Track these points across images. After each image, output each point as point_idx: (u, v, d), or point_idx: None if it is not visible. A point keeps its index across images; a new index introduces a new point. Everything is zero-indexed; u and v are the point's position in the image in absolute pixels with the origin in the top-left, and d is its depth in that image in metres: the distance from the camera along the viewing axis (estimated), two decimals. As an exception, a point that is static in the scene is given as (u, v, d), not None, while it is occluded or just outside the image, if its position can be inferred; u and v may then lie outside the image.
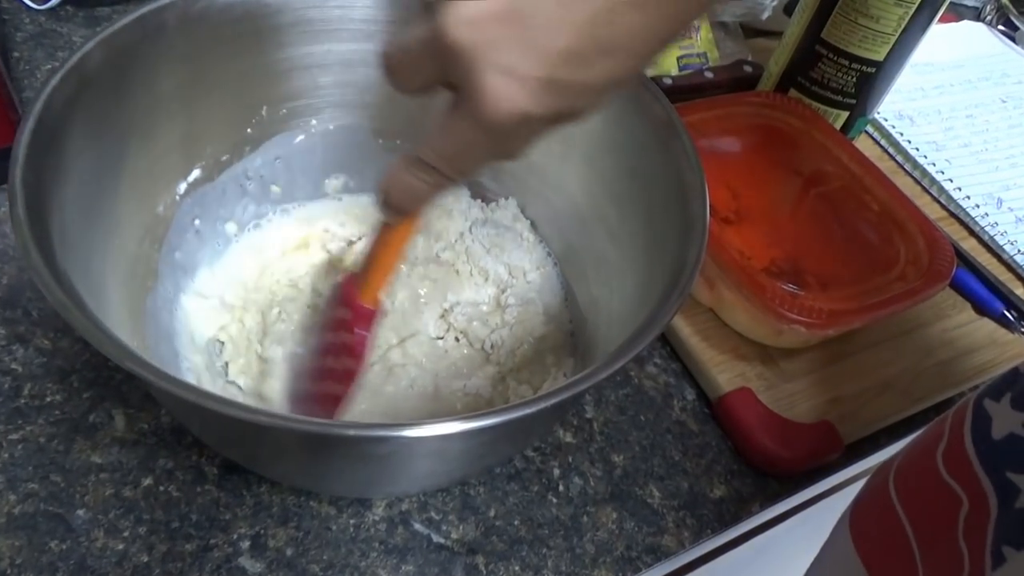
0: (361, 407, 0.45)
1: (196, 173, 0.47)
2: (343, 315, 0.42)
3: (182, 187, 0.46)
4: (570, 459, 0.49)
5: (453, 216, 0.54)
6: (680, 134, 0.43)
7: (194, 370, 0.45)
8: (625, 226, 0.47)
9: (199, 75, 0.43)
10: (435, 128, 0.30)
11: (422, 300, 0.50)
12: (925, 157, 0.74)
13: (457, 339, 0.50)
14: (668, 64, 0.74)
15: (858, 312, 0.52)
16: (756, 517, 0.51)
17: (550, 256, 0.55)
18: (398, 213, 0.34)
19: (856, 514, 0.43)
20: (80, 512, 0.41)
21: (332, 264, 0.51)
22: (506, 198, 0.55)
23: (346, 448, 0.33)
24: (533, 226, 0.55)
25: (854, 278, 0.54)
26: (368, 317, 0.42)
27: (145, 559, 0.40)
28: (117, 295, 0.40)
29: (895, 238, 0.58)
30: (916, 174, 0.74)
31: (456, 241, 0.54)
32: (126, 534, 0.41)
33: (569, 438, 0.50)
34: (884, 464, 0.43)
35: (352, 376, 0.42)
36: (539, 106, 0.27)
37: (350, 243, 0.54)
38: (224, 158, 0.48)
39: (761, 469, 0.51)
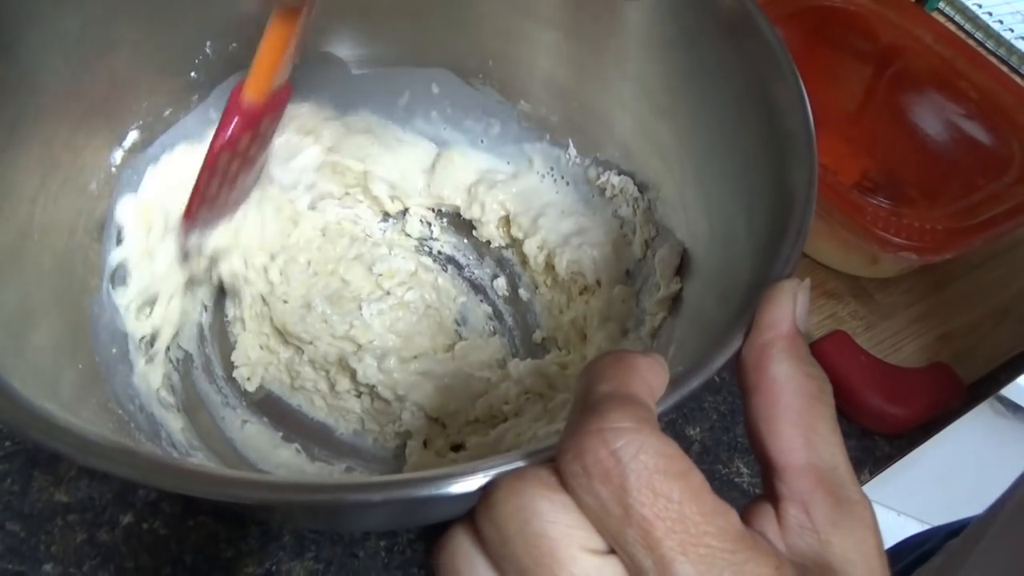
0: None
1: (134, 136, 0.37)
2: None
3: (117, 155, 0.36)
4: (636, 441, 0.40)
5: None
6: (760, 27, 0.32)
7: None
8: (683, 148, 0.37)
9: (110, 5, 0.33)
10: None
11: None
12: (1011, 31, 0.62)
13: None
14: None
15: (976, 229, 0.42)
16: (866, 487, 0.42)
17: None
18: None
19: None
20: (47, 567, 0.35)
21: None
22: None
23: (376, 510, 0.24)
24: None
25: (964, 187, 0.44)
26: (255, 115, 0.34)
27: (131, 624, 0.34)
28: (48, 305, 0.31)
29: (1005, 132, 0.47)
30: (1002, 52, 0.62)
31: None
32: (105, 592, 0.35)
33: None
34: None
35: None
36: None
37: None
38: (167, 113, 0.38)
39: (868, 428, 0.42)
